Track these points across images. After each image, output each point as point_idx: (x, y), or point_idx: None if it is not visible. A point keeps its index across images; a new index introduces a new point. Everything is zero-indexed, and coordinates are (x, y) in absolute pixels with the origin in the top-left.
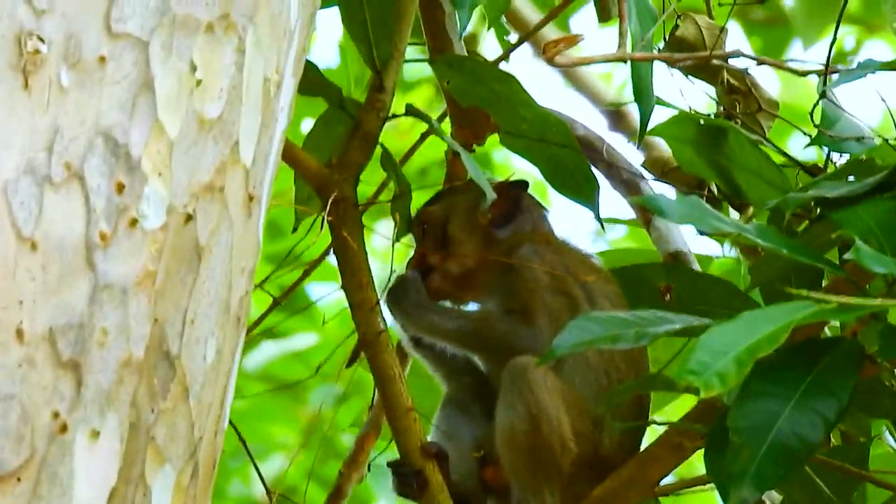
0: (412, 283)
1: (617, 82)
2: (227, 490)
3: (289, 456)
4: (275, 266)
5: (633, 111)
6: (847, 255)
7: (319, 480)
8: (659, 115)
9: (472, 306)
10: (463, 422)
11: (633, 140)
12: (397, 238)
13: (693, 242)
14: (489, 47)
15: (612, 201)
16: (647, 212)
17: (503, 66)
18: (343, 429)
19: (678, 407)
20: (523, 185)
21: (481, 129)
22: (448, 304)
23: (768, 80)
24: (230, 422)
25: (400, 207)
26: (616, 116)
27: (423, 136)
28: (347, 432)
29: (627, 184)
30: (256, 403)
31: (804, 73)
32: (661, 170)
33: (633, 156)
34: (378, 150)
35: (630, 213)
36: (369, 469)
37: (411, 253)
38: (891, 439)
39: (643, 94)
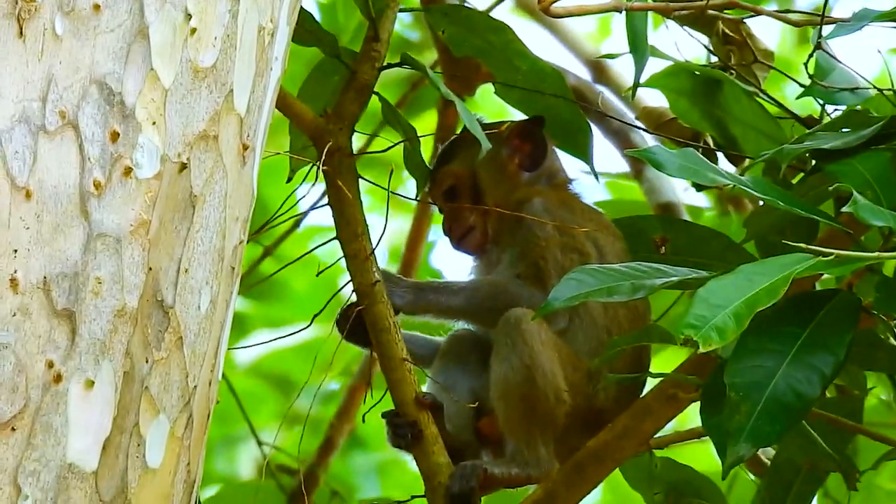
0: (393, 275)
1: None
2: (213, 469)
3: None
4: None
5: (616, 64)
6: (845, 208)
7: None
8: (649, 68)
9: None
10: (459, 373)
11: (626, 93)
12: (418, 187)
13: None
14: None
15: (600, 152)
16: (639, 163)
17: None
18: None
19: (672, 358)
20: (540, 121)
21: (473, 80)
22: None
23: (765, 32)
24: (225, 377)
25: (413, 162)
26: (599, 69)
27: (414, 86)
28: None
29: (618, 135)
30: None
31: (800, 24)
32: (655, 123)
33: (622, 108)
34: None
35: (619, 164)
36: (363, 420)
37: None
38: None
39: (638, 44)
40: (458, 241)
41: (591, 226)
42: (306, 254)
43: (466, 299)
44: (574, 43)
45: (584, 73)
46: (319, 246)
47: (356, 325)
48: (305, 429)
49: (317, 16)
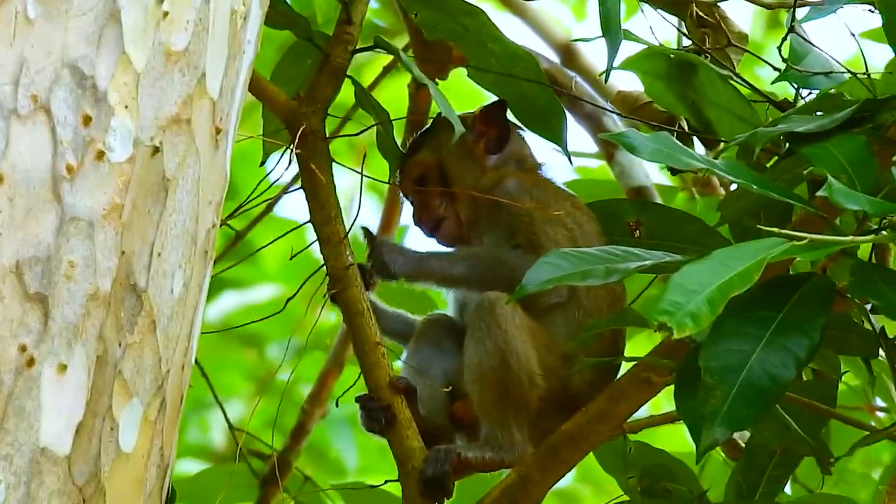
0: (391, 243)
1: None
2: (185, 437)
3: (246, 405)
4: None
5: (586, 50)
6: (819, 192)
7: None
8: (622, 52)
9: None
10: (433, 357)
11: (600, 76)
12: (391, 171)
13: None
14: None
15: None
16: (611, 147)
17: None
18: (302, 379)
19: (646, 342)
20: (503, 105)
21: (445, 64)
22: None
23: (737, 15)
24: (196, 361)
25: (386, 145)
26: (569, 55)
27: (386, 70)
28: (306, 382)
29: (591, 119)
30: (214, 355)
31: (773, 6)
32: (630, 108)
33: (595, 94)
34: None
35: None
36: (337, 405)
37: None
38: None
39: (611, 27)
40: (433, 232)
41: (566, 205)
42: (276, 239)
43: (468, 268)
44: (544, 29)
45: (554, 60)
46: (293, 230)
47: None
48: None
49: None
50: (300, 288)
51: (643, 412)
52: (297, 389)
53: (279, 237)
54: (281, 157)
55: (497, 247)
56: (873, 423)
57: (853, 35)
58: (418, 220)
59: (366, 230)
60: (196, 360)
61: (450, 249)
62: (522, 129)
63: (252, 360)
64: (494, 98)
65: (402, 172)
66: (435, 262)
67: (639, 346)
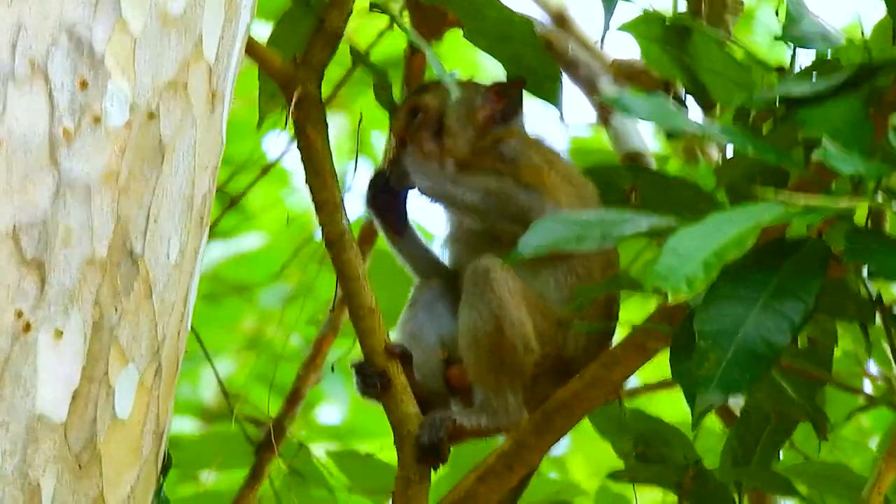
0: (418, 154)
1: None
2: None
3: (236, 362)
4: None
5: (578, 17)
6: (814, 155)
7: (269, 384)
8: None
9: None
10: (429, 322)
11: (595, 43)
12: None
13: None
14: None
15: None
16: (606, 110)
17: None
18: (293, 329)
19: (641, 307)
20: (522, 83)
21: (440, 27)
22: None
23: None
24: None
25: (383, 98)
26: (561, 22)
27: (381, 34)
28: (298, 333)
29: (586, 82)
30: (200, 308)
31: None
32: (626, 74)
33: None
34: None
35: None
36: (333, 370)
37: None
38: None
39: None
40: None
41: (569, 168)
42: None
43: (482, 199)
44: None
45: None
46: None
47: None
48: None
49: None
50: (297, 252)
51: (637, 380)
52: (288, 343)
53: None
54: (277, 121)
55: (508, 185)
56: (868, 391)
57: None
58: (401, 140)
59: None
60: (192, 326)
61: (468, 177)
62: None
63: (241, 311)
64: (492, 60)
65: (397, 109)
66: (451, 184)
67: (632, 311)
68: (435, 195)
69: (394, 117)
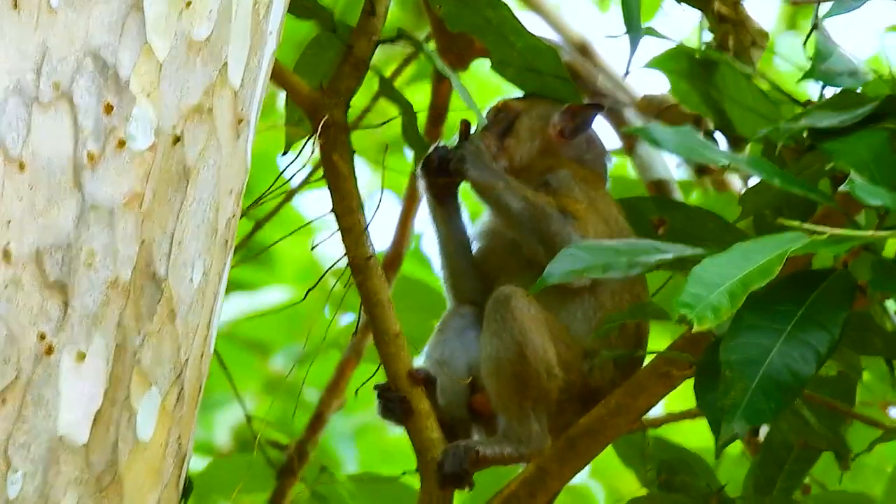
0: (482, 147)
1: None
2: None
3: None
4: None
5: (603, 48)
6: (841, 187)
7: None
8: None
9: None
10: (456, 348)
11: (623, 75)
12: (415, 160)
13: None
14: None
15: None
16: (632, 140)
17: None
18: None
19: (665, 336)
20: (598, 107)
21: (466, 55)
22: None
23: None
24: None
25: (409, 130)
26: (585, 54)
27: (407, 60)
28: (312, 387)
29: (612, 112)
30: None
31: (798, 3)
32: (656, 110)
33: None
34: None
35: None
36: (356, 395)
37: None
38: None
39: (632, 23)
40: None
41: (613, 209)
42: (302, 227)
43: (522, 207)
44: (561, 27)
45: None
46: (314, 220)
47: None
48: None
49: None
50: (320, 280)
51: (661, 408)
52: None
53: (294, 231)
54: (303, 147)
55: (549, 205)
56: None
57: (876, 32)
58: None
59: (465, 122)
60: (215, 350)
61: (519, 183)
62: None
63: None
64: (517, 91)
65: (496, 104)
66: (502, 184)
67: (658, 341)
68: (481, 186)
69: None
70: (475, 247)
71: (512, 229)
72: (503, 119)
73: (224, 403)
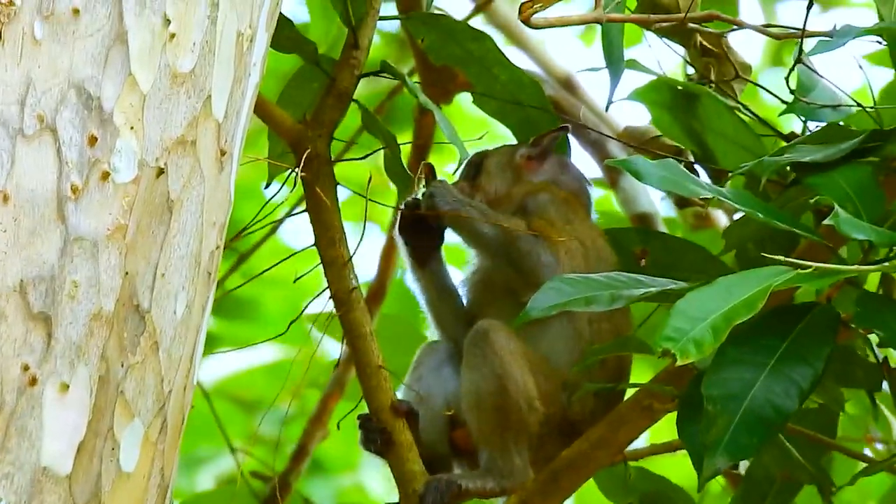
0: (448, 184)
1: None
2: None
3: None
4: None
5: (586, 82)
6: (826, 221)
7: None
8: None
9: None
10: (434, 384)
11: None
12: (399, 194)
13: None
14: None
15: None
16: (615, 173)
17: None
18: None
19: (647, 369)
20: (564, 129)
21: (450, 88)
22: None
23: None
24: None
25: (392, 163)
26: (569, 88)
27: (392, 93)
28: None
29: (595, 145)
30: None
31: (781, 37)
32: (638, 142)
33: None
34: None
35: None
36: (338, 427)
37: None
38: None
39: (614, 57)
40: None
41: (589, 228)
42: (281, 261)
43: (493, 232)
44: (544, 61)
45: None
46: (295, 254)
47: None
48: (277, 439)
49: (306, 17)
50: (302, 311)
51: (644, 441)
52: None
53: (278, 263)
54: (286, 180)
55: (520, 227)
56: (870, 454)
57: (860, 67)
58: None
59: (427, 165)
60: (198, 383)
61: (489, 210)
62: (587, 180)
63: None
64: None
65: (459, 163)
66: (473, 211)
67: (640, 373)
68: (455, 222)
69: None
70: (463, 294)
71: (484, 255)
72: (470, 166)
73: (209, 458)
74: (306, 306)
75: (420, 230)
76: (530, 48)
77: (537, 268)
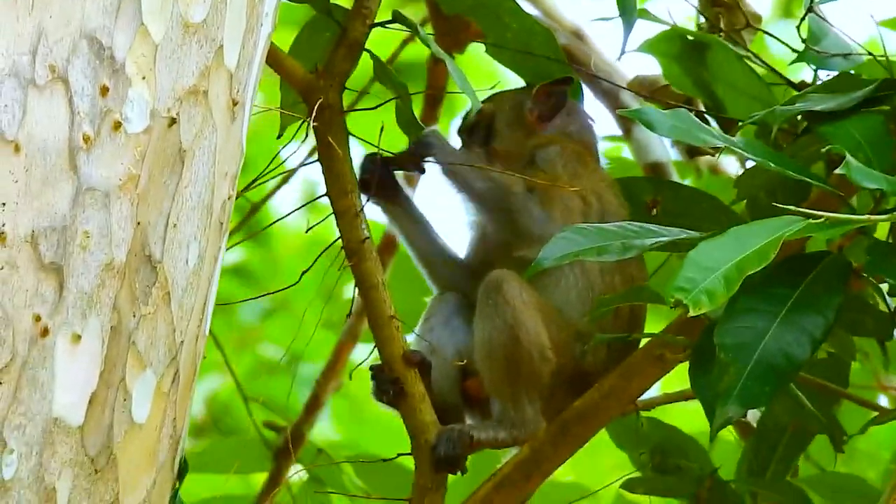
0: (441, 135)
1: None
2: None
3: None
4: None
5: (595, 34)
6: (837, 170)
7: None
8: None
9: None
10: (445, 335)
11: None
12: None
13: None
14: None
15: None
16: (628, 123)
17: None
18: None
19: (660, 319)
20: (568, 81)
21: (462, 38)
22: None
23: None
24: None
25: (404, 113)
26: (576, 36)
27: (405, 43)
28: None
29: (608, 96)
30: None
31: None
32: (648, 91)
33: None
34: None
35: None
36: (350, 378)
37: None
38: None
39: (627, 7)
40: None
41: (597, 181)
42: (294, 211)
43: (486, 187)
44: (553, 14)
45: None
46: (310, 202)
47: (386, 385)
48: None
49: None
50: (314, 262)
51: (656, 391)
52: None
53: (288, 214)
54: (298, 129)
55: (516, 184)
56: (884, 403)
57: (872, 17)
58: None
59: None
60: (210, 331)
61: (482, 165)
62: (591, 119)
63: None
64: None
65: (471, 113)
66: (467, 166)
67: (653, 324)
68: (447, 169)
69: (459, 135)
70: (468, 237)
71: (476, 208)
72: (479, 127)
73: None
74: (318, 257)
75: (384, 179)
76: (539, 2)
77: (530, 224)
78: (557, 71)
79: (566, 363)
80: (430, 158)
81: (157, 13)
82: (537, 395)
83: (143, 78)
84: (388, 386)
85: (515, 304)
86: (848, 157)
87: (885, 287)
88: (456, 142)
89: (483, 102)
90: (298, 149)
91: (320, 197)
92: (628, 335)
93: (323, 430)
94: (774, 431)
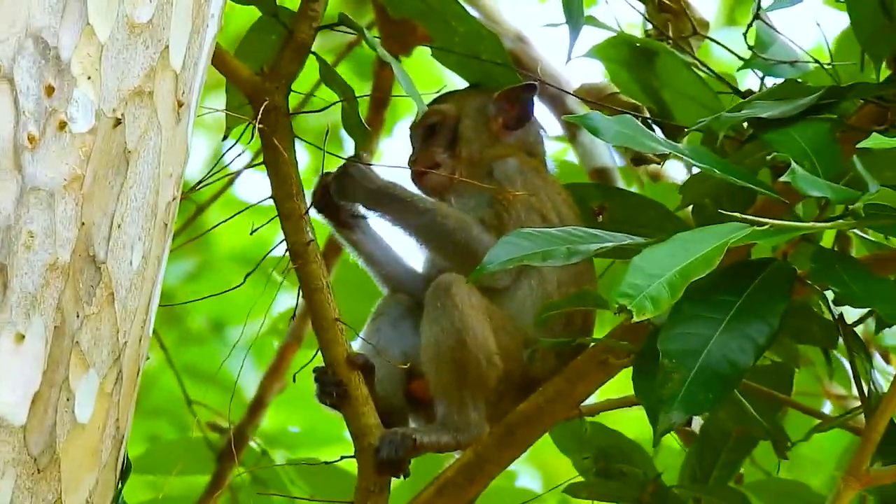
0: (364, 166)
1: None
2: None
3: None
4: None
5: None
6: (782, 178)
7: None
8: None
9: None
10: (392, 337)
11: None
12: (356, 147)
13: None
14: None
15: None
16: (574, 128)
17: None
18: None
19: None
20: (531, 88)
21: (409, 41)
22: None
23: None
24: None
25: (351, 116)
26: (519, 41)
27: (350, 47)
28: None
29: (554, 100)
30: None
31: None
32: (596, 98)
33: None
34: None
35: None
36: (294, 380)
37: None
38: None
39: (573, 14)
40: (419, 176)
41: (555, 197)
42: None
43: (430, 220)
44: (496, 19)
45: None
46: (253, 206)
47: (329, 387)
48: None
49: None
50: (258, 264)
51: (599, 396)
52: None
53: (234, 215)
54: (243, 132)
55: (465, 212)
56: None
57: (818, 25)
58: (412, 162)
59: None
60: (155, 332)
61: (419, 195)
62: (543, 129)
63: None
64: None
65: (417, 117)
66: (400, 197)
67: (599, 329)
68: (378, 206)
69: (412, 132)
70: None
71: (421, 243)
72: (442, 129)
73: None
74: (262, 260)
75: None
76: (481, 5)
77: (480, 254)
78: (504, 75)
79: (514, 369)
80: (354, 203)
81: (103, 13)
82: (482, 400)
83: (89, 78)
84: (331, 388)
85: (463, 308)
86: (793, 164)
87: (829, 295)
88: (406, 145)
89: (438, 102)
90: (244, 151)
91: (265, 199)
92: (573, 340)
93: (266, 433)
94: (718, 437)
